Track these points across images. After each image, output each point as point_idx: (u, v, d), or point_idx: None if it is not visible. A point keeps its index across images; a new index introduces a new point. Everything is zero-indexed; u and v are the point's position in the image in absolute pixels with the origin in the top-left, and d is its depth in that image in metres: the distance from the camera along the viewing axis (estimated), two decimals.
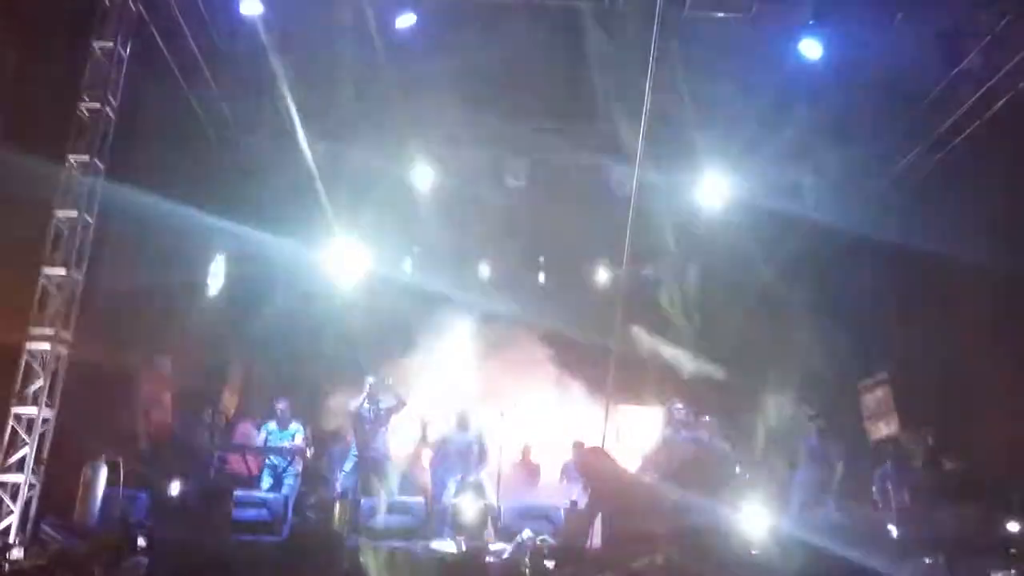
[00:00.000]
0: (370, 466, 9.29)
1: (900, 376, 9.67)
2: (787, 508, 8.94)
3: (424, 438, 10.64)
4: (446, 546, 8.01)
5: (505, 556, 7.48)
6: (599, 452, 7.14)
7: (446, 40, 9.85)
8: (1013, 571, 6.17)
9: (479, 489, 9.30)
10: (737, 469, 9.18)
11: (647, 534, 4.94)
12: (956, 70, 9.37)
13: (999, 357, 8.89)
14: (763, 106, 10.36)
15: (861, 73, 9.49)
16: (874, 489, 8.60)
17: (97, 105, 7.83)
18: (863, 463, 9.23)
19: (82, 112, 7.82)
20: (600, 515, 6.35)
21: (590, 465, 6.51)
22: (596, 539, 6.96)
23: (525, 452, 10.53)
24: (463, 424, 9.61)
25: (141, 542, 6.08)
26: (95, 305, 7.88)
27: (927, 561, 6.53)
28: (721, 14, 9.26)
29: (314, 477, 9.47)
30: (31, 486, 7.05)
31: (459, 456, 9.48)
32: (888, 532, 7.86)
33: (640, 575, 4.69)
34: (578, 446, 7.44)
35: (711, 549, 5.26)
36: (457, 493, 9.22)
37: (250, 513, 7.63)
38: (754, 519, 7.66)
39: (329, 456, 10.17)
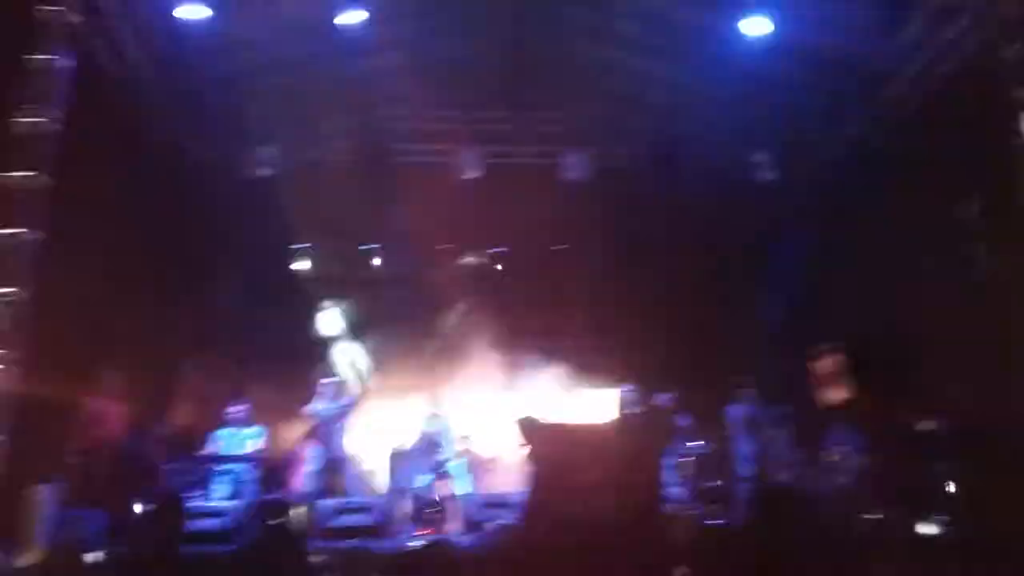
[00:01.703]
0: (330, 467, 9.28)
1: (851, 344, 9.81)
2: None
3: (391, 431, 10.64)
4: (410, 541, 8.01)
5: (470, 546, 7.48)
6: (533, 418, 7.10)
7: (395, 34, 9.87)
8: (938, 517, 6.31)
9: (448, 479, 9.33)
10: (695, 442, 9.27)
11: (586, 485, 4.93)
12: (901, 40, 9.47)
13: (950, 323, 9.02)
14: (713, 83, 10.45)
15: (807, 45, 9.54)
16: (828, 452, 8.74)
17: (38, 119, 7.72)
18: (816, 428, 9.35)
19: (23, 127, 7.69)
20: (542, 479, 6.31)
21: (526, 432, 6.44)
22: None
23: (483, 441, 10.53)
24: (433, 414, 9.57)
25: (92, 559, 6.02)
26: (43, 323, 7.77)
27: (871, 515, 6.68)
28: None
29: (272, 482, 9.40)
30: None
31: (429, 446, 9.45)
32: (841, 491, 8.02)
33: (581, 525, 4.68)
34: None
35: (645, 499, 5.28)
36: (427, 483, 9.23)
37: (204, 524, 7.56)
38: None
39: (290, 459, 10.12)
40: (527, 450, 7.00)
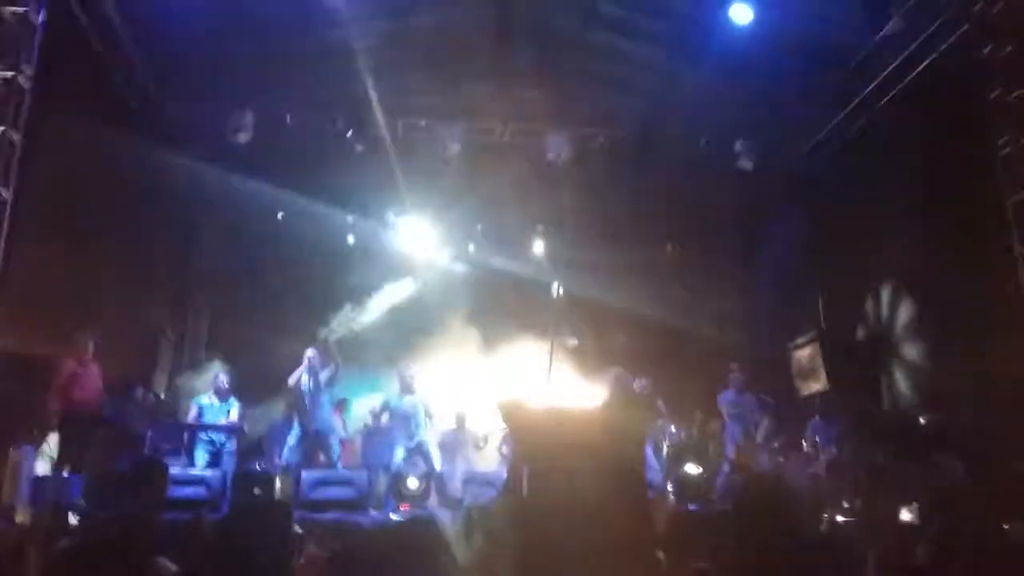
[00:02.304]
0: (313, 438, 9.24)
1: (828, 334, 10.01)
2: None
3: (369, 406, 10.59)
4: (390, 515, 8.04)
5: (449, 522, 7.52)
6: (518, 401, 7.19)
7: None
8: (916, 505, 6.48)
9: (425, 455, 9.33)
10: (673, 429, 9.41)
11: (567, 468, 4.97)
12: (880, 35, 9.60)
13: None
14: (694, 69, 10.46)
15: (788, 38, 9.63)
16: (804, 442, 8.96)
17: (10, 73, 7.46)
18: (793, 417, 9.57)
19: None
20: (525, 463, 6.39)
21: (509, 414, 6.52)
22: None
23: (460, 420, 10.55)
24: (407, 388, 9.55)
25: (73, 522, 5.93)
26: (15, 284, 7.57)
27: (845, 505, 6.87)
28: None
29: (254, 452, 9.35)
30: None
31: (404, 421, 9.42)
32: (815, 479, 8.23)
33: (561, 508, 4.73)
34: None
35: (631, 484, 5.37)
36: (405, 459, 9.22)
37: (187, 491, 7.51)
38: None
39: (270, 430, 10.08)
40: (508, 431, 7.04)
